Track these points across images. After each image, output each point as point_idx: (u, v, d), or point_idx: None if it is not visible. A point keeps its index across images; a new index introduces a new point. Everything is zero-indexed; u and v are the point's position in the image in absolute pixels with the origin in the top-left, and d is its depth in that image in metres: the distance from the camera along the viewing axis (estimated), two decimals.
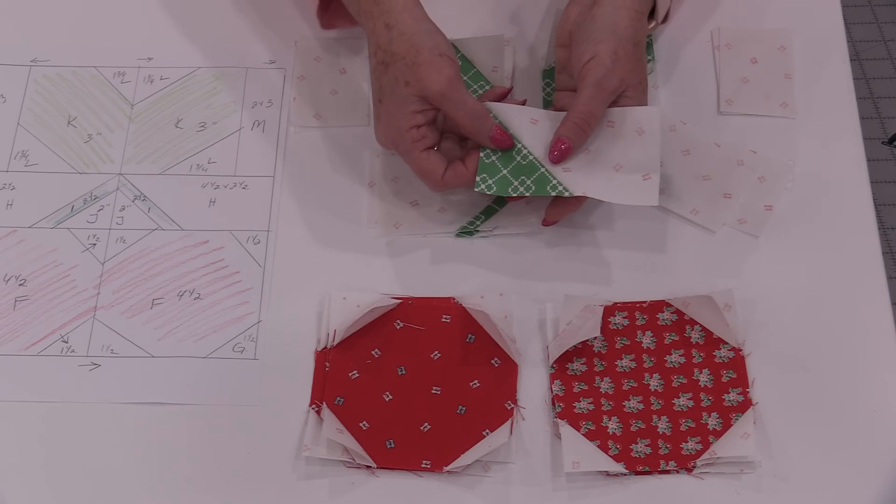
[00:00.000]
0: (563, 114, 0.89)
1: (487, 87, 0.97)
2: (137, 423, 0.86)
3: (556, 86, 0.96)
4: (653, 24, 0.94)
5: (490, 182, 0.88)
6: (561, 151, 0.87)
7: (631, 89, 0.89)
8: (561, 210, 0.91)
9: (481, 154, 0.89)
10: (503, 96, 0.93)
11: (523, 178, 0.88)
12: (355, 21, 0.93)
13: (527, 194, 0.88)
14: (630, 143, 0.88)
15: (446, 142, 0.91)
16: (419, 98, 0.86)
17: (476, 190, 0.88)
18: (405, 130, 0.87)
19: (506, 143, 0.89)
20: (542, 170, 0.88)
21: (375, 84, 0.89)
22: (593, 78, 0.87)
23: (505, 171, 0.88)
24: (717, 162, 0.96)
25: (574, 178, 0.88)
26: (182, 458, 0.84)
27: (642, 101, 0.90)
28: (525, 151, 0.89)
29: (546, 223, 0.92)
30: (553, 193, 0.87)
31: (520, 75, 1.02)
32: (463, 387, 0.86)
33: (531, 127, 0.89)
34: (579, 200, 0.90)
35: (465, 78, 0.99)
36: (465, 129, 0.88)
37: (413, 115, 0.87)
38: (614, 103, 0.89)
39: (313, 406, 0.85)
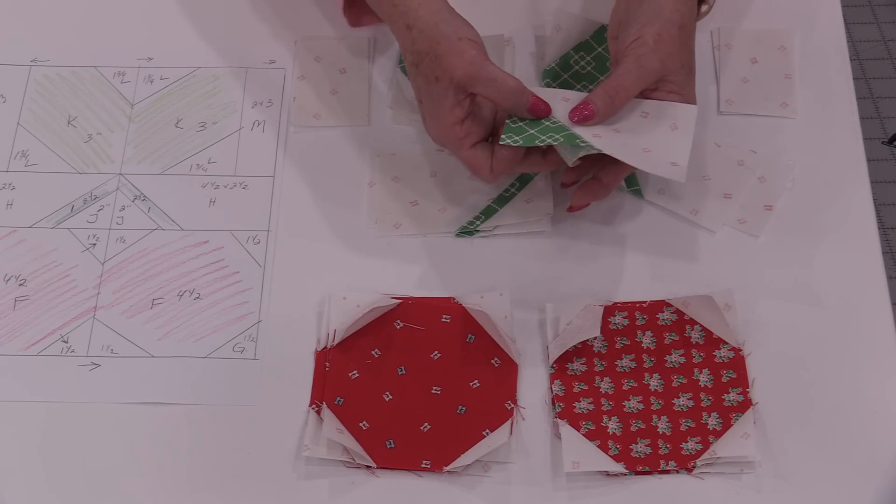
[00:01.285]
0: None
1: None
2: (137, 423, 0.86)
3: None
4: (706, 8, 0.93)
5: (516, 137, 0.86)
6: (583, 115, 0.85)
7: (673, 74, 0.87)
8: (588, 194, 0.90)
9: (507, 119, 0.87)
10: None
11: (552, 133, 0.86)
12: (381, 18, 0.94)
13: (555, 142, 0.85)
14: (661, 135, 0.87)
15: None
16: (453, 91, 0.85)
17: (500, 143, 0.86)
18: (448, 127, 0.87)
19: (545, 111, 0.86)
20: (572, 130, 0.86)
21: (413, 85, 0.89)
22: (633, 55, 0.86)
23: (532, 131, 0.86)
24: (717, 162, 0.96)
25: (602, 142, 0.85)
26: (182, 458, 0.84)
27: (687, 86, 0.88)
28: (556, 119, 0.87)
29: (572, 209, 0.91)
30: (581, 144, 0.84)
31: (520, 75, 1.01)
32: (463, 387, 0.86)
33: (563, 103, 0.88)
34: (607, 187, 0.89)
35: None
36: (502, 104, 0.87)
37: (452, 111, 0.86)
38: (655, 89, 0.87)
39: (313, 406, 0.85)
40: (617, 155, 0.85)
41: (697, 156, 0.96)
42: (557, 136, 0.85)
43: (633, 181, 0.95)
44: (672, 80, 0.88)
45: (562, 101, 0.88)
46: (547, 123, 0.87)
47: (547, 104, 0.87)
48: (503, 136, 0.86)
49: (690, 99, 0.89)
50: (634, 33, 0.87)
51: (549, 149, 0.89)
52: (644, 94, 0.88)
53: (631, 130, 0.87)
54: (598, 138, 0.86)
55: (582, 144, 0.84)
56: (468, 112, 0.87)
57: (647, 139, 0.87)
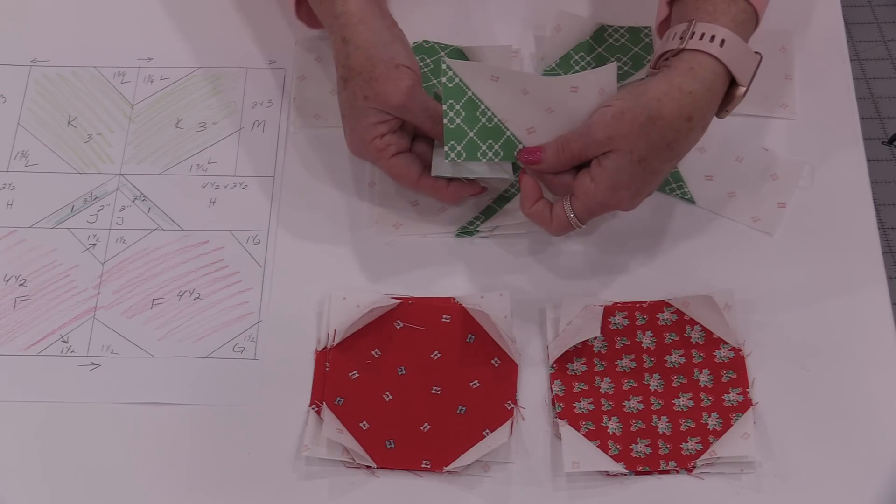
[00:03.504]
0: (525, 73, 0.87)
1: None
2: (137, 423, 0.86)
3: None
4: (734, 102, 0.86)
5: (459, 149, 0.87)
6: (531, 160, 0.86)
7: (615, 154, 0.82)
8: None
9: (445, 120, 0.87)
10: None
11: (490, 142, 0.88)
12: None
13: (496, 160, 0.88)
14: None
15: (419, 144, 0.92)
16: (379, 111, 0.87)
17: (446, 161, 0.87)
18: (368, 142, 0.88)
19: None
20: (508, 133, 0.88)
21: (339, 98, 0.90)
22: (592, 119, 0.83)
23: (472, 134, 0.88)
24: (719, 161, 0.96)
25: (537, 141, 0.87)
26: (182, 458, 0.84)
27: (617, 173, 0.83)
28: (490, 113, 0.88)
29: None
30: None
31: None
32: (463, 387, 0.86)
33: (492, 84, 0.87)
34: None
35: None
36: (433, 133, 0.89)
37: (374, 126, 0.88)
38: (592, 160, 0.84)
39: (313, 406, 0.85)
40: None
41: (702, 155, 0.96)
42: (497, 149, 0.87)
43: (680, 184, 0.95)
44: (609, 158, 0.82)
45: (490, 82, 0.87)
46: (483, 121, 0.88)
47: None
48: (446, 149, 0.87)
49: (605, 191, 0.83)
50: (611, 100, 0.83)
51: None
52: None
53: (562, 110, 0.87)
54: (533, 135, 0.87)
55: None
56: (391, 129, 0.88)
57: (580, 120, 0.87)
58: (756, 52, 0.85)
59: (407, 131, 0.91)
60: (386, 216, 0.95)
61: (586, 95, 0.86)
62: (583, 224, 0.86)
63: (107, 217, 0.95)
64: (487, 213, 0.95)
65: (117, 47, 1.05)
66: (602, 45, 1.02)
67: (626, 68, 1.00)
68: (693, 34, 0.82)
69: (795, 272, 0.91)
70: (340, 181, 0.97)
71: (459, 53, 1.02)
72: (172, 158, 0.99)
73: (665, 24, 0.90)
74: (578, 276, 0.92)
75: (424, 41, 1.02)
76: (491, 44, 1.02)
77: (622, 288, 0.91)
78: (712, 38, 0.82)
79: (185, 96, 1.02)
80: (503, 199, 0.95)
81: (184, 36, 1.06)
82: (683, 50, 0.82)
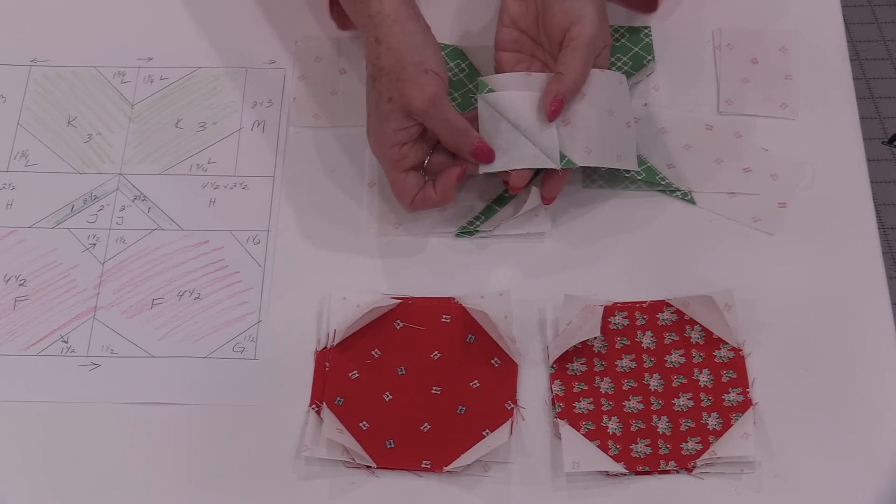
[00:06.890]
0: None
1: None
2: (137, 423, 0.86)
3: (497, 42, 0.95)
4: None
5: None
6: (557, 108, 0.88)
7: (606, 49, 0.92)
8: (556, 185, 0.91)
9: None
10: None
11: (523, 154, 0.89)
12: None
13: (532, 166, 0.89)
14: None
15: (437, 155, 0.91)
16: (402, 114, 0.87)
17: (480, 171, 0.90)
18: (387, 148, 0.88)
19: (488, 158, 0.89)
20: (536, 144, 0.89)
21: (367, 97, 0.90)
22: (585, 39, 0.88)
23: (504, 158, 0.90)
24: (723, 161, 0.96)
25: (590, 158, 0.89)
26: (182, 458, 0.84)
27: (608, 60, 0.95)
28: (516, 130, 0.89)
29: (547, 202, 0.92)
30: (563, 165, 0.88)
31: None
32: (463, 387, 0.86)
33: (528, 102, 0.89)
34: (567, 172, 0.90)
35: (469, 86, 0.99)
36: (448, 144, 0.89)
37: (395, 133, 0.87)
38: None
39: (313, 406, 0.85)
40: (592, 164, 0.89)
41: (702, 156, 0.96)
42: (529, 157, 0.88)
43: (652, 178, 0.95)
44: (604, 55, 0.92)
45: (528, 103, 0.89)
46: (513, 154, 0.89)
47: (492, 152, 0.89)
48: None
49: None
50: (576, 9, 0.89)
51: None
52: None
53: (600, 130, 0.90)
54: (589, 154, 0.89)
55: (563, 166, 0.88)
56: (411, 137, 0.88)
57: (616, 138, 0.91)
58: None
59: (428, 140, 0.91)
60: (386, 216, 0.95)
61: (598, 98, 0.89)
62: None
63: (107, 217, 0.95)
64: (487, 213, 0.95)
65: (117, 47, 1.05)
66: None
67: (626, 68, 1.00)
68: None
69: (795, 272, 0.91)
70: (340, 181, 0.97)
71: (459, 53, 1.02)
72: (172, 158, 0.99)
73: None
74: (578, 276, 0.92)
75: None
76: (491, 44, 1.02)
77: (622, 288, 0.91)
78: None
79: (185, 96, 1.02)
80: (503, 199, 0.95)
81: (184, 36, 1.06)
82: None
